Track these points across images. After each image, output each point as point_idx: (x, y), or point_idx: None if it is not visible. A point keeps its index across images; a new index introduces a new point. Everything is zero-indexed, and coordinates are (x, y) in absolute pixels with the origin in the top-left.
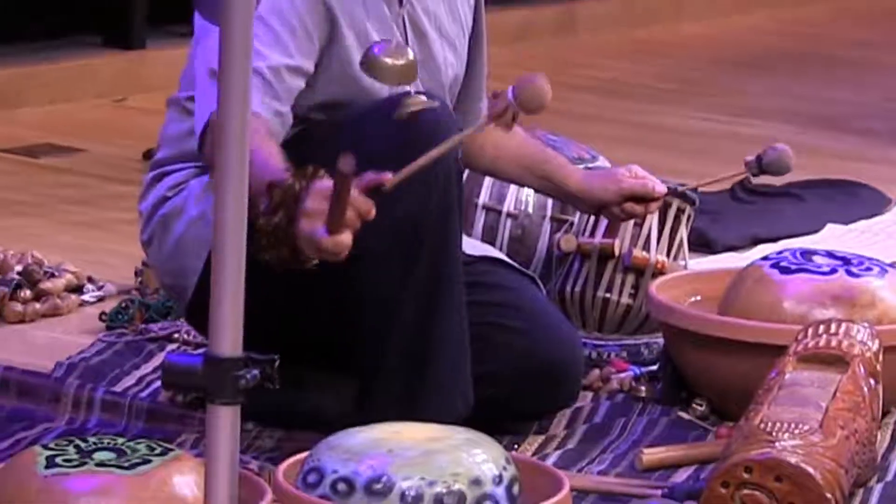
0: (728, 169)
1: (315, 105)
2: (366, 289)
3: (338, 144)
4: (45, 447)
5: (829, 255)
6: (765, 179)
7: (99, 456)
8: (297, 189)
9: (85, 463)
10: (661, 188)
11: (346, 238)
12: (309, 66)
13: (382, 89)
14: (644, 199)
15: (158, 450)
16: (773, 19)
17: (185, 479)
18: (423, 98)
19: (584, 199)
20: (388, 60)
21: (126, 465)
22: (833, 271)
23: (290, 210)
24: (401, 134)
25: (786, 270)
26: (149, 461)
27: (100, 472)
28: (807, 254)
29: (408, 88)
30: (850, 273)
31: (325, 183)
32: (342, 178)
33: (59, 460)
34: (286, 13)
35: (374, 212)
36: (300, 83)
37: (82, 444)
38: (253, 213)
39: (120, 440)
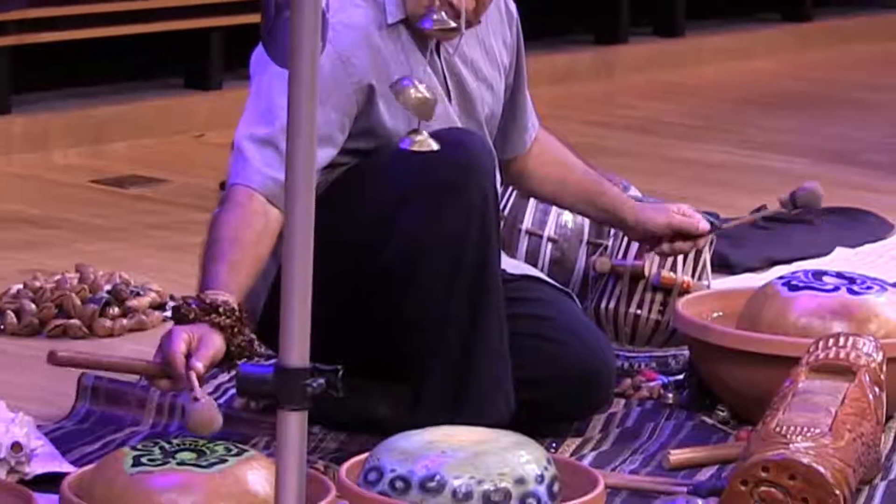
0: (749, 197)
1: (344, 151)
2: (416, 305)
3: (382, 181)
4: (134, 448)
5: (839, 275)
6: (779, 208)
7: (181, 456)
8: (189, 317)
9: (167, 462)
10: (704, 225)
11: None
12: (339, 137)
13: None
14: (689, 235)
15: (235, 450)
16: (790, 64)
17: (258, 477)
18: (425, 137)
19: (636, 230)
20: (411, 91)
21: (205, 464)
22: (836, 289)
23: (179, 322)
24: (443, 169)
25: (794, 288)
26: (226, 461)
27: (181, 471)
28: (818, 274)
29: (440, 124)
30: (850, 291)
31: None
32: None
33: (144, 460)
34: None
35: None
36: (329, 152)
37: (167, 445)
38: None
39: (200, 441)
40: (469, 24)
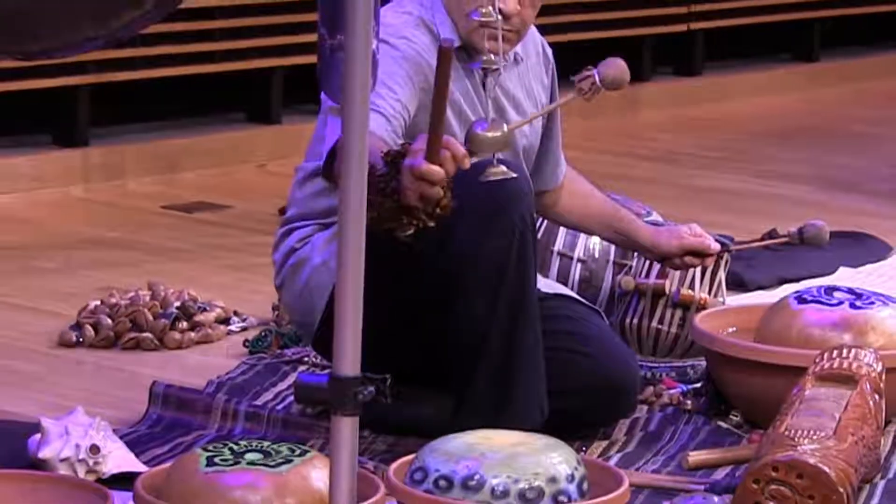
0: (761, 221)
1: None
2: (459, 320)
3: None
4: (205, 449)
5: (849, 290)
6: (787, 237)
7: (249, 456)
8: (406, 150)
9: (238, 462)
10: (715, 246)
11: (438, 170)
12: (402, 115)
13: None
14: (701, 253)
15: (298, 451)
16: (800, 100)
17: (318, 475)
18: (504, 169)
19: (651, 251)
20: (489, 134)
21: (272, 464)
22: (839, 303)
23: (400, 168)
24: (487, 194)
25: (803, 301)
26: (290, 461)
27: (250, 470)
28: (829, 289)
29: (499, 156)
30: (853, 305)
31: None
32: (442, 73)
33: (216, 460)
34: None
35: (468, 161)
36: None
37: (235, 447)
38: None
39: (266, 443)
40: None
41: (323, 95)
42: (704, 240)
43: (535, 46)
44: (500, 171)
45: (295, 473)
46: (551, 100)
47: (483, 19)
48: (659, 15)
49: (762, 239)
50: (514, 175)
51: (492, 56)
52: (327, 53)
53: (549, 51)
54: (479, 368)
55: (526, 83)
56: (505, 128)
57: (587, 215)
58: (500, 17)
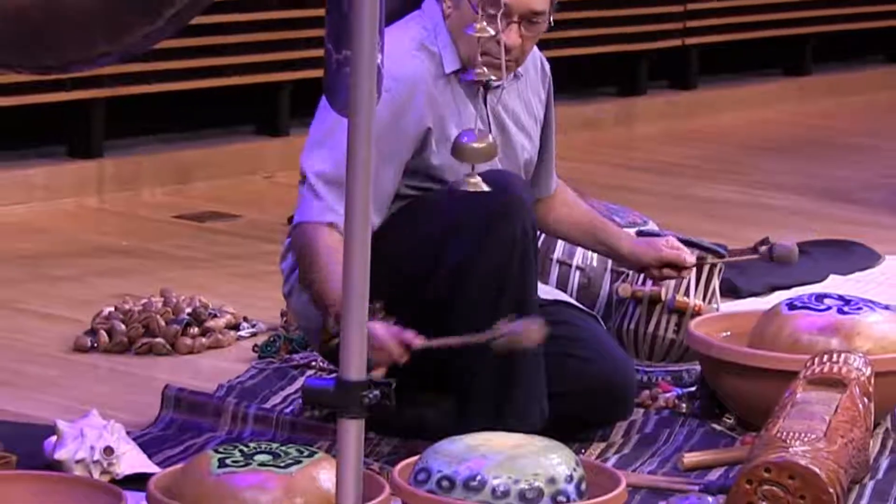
0: (754, 230)
1: (406, 189)
2: (465, 325)
3: (434, 215)
4: (217, 451)
5: (839, 297)
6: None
7: (259, 458)
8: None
9: (249, 463)
10: (691, 259)
11: (378, 373)
12: (400, 168)
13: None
14: (677, 266)
15: (306, 452)
16: (792, 113)
17: (326, 476)
18: (480, 182)
19: (630, 261)
20: (475, 144)
21: (282, 465)
22: (828, 309)
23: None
24: (488, 205)
25: (794, 307)
26: (299, 462)
27: (261, 471)
28: (820, 296)
29: (485, 167)
30: (840, 311)
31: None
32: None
33: (228, 461)
34: (383, 135)
35: (405, 358)
36: (389, 188)
37: (246, 449)
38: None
39: (275, 445)
40: (514, 65)
41: (312, 127)
42: (681, 253)
43: (533, 62)
44: (475, 183)
45: (303, 474)
46: (547, 112)
47: (478, 35)
48: (655, 31)
49: (755, 247)
50: (487, 189)
51: (484, 69)
52: (334, 68)
53: (547, 66)
54: (482, 372)
55: (525, 98)
56: (491, 138)
57: (572, 224)
58: (499, 33)
